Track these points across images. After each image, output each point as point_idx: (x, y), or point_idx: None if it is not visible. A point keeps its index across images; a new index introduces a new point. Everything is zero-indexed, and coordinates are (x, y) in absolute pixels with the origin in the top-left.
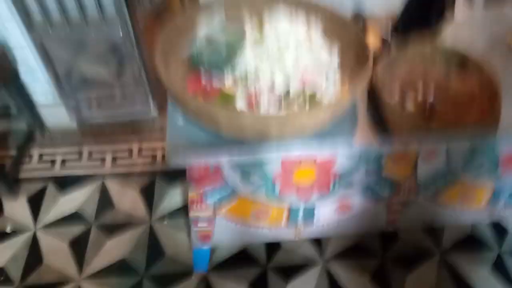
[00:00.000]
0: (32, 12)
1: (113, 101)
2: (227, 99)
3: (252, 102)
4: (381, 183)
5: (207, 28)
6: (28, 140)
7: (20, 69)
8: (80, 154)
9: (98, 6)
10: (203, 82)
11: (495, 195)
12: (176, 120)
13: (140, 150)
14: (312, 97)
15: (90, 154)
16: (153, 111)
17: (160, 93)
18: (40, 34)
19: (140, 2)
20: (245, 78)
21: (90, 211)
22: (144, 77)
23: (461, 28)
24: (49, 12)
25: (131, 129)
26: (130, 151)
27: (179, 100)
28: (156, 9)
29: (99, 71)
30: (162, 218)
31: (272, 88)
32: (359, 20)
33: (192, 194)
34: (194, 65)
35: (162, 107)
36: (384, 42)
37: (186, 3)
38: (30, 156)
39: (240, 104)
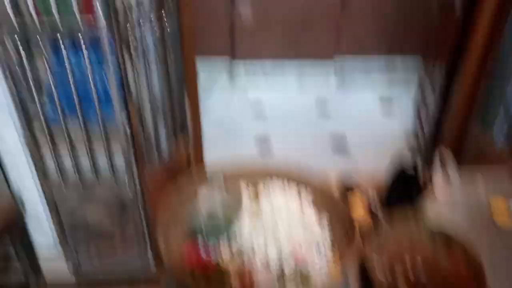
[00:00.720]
0: (49, 170)
1: (113, 255)
2: (223, 275)
3: (247, 283)
4: None
5: (208, 200)
6: None
7: (28, 222)
8: None
9: (110, 167)
10: (201, 254)
11: None
12: None
13: None
14: (306, 278)
15: None
16: (152, 266)
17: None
18: (53, 191)
19: (149, 162)
20: (241, 253)
21: None
22: (146, 232)
23: (443, 206)
24: (65, 171)
25: (128, 283)
26: None
27: (176, 276)
28: (164, 167)
29: (103, 224)
30: None
31: (267, 266)
32: (347, 191)
33: None
34: (193, 235)
35: (160, 263)
36: (371, 213)
37: (192, 164)
38: None
39: (235, 284)
